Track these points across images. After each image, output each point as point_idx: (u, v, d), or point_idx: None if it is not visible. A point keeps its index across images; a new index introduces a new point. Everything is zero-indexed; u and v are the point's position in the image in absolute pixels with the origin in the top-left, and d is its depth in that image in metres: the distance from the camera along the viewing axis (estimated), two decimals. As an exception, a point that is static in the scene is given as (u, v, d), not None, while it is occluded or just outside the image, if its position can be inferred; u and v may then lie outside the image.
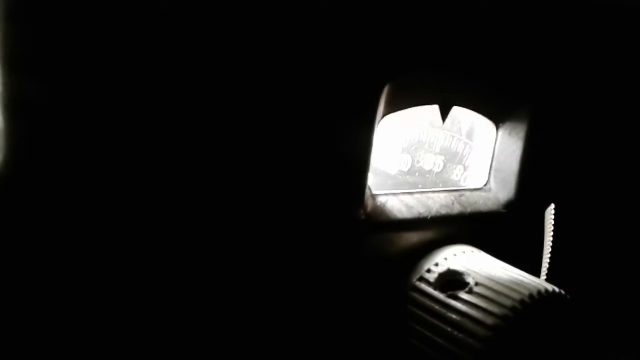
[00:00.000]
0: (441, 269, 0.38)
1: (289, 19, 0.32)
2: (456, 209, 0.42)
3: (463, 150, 0.44)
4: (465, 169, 0.44)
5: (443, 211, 0.41)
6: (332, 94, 0.34)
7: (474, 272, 0.37)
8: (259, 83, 0.32)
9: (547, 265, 0.47)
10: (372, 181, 0.39)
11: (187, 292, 0.33)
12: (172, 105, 0.30)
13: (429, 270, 0.38)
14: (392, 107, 0.38)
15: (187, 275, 0.33)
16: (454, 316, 0.35)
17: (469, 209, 0.42)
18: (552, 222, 0.46)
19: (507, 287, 0.35)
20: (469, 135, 0.44)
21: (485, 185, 0.44)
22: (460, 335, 0.34)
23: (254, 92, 0.32)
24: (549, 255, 0.46)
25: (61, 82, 0.28)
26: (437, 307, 0.36)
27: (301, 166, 0.35)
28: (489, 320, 0.34)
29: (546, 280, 0.45)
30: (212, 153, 0.32)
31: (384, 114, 0.38)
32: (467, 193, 0.43)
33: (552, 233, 0.46)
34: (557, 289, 0.36)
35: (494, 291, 0.35)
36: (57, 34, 0.27)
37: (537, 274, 0.45)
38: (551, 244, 0.46)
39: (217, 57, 0.31)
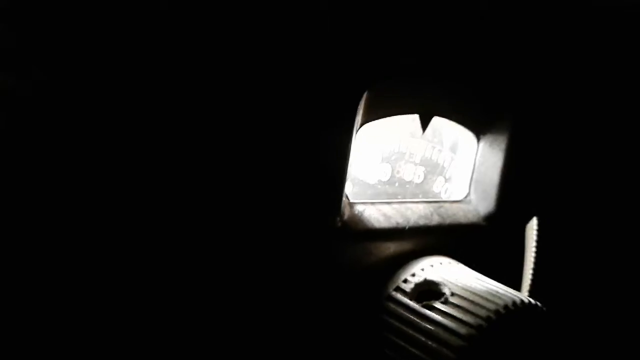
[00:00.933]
0: (417, 279, 0.37)
1: (269, 28, 0.32)
2: (435, 220, 0.41)
3: (444, 162, 0.44)
4: (446, 180, 0.44)
5: (421, 222, 0.41)
6: (310, 101, 0.34)
7: (450, 282, 0.37)
8: (237, 91, 0.32)
9: (531, 280, 0.47)
10: (351, 190, 0.39)
11: (156, 295, 0.33)
12: (147, 108, 0.30)
13: (405, 281, 0.38)
14: (371, 116, 0.38)
15: (156, 279, 0.33)
16: (428, 326, 0.35)
17: (448, 221, 0.42)
18: (535, 236, 0.46)
19: (483, 297, 0.35)
20: (450, 146, 0.44)
21: (465, 197, 0.44)
22: (434, 345, 0.34)
23: (233, 99, 0.32)
24: (532, 269, 0.46)
25: (51, 77, 0.28)
26: (412, 317, 0.35)
27: (277, 172, 0.34)
28: (463, 330, 0.33)
29: (529, 294, 0.45)
30: (188, 158, 0.32)
31: (363, 122, 0.38)
32: (447, 205, 0.43)
33: (535, 247, 0.46)
34: (533, 301, 0.36)
35: (469, 302, 0.35)
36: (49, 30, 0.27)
37: (517, 288, 0.45)
38: (534, 258, 0.46)
39: (197, 63, 0.31)
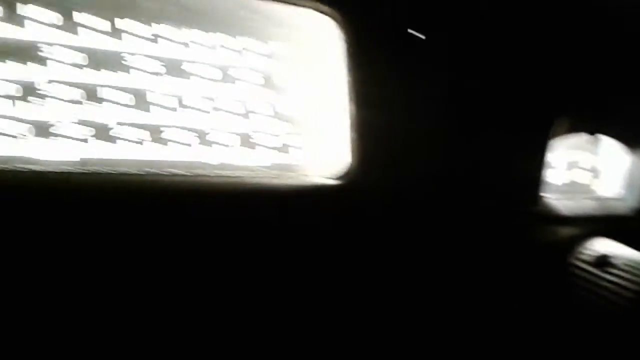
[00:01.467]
0: (594, 252, 0.52)
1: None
2: (600, 212, 0.56)
3: (606, 169, 0.59)
4: (607, 182, 0.59)
5: (590, 213, 0.56)
6: (526, 125, 0.50)
7: (619, 256, 0.51)
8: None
9: None
10: (543, 188, 0.55)
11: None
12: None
13: (584, 253, 0.53)
14: (558, 135, 0.53)
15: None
16: (605, 283, 0.49)
17: (609, 213, 0.57)
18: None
19: (645, 267, 0.50)
20: (610, 157, 0.59)
21: (621, 196, 0.59)
22: (610, 296, 0.48)
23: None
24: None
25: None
26: (592, 278, 0.50)
27: (500, 172, 0.50)
28: (633, 286, 0.48)
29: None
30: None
31: (554, 138, 0.53)
32: (608, 201, 0.58)
33: None
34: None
35: (635, 269, 0.49)
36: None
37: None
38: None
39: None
